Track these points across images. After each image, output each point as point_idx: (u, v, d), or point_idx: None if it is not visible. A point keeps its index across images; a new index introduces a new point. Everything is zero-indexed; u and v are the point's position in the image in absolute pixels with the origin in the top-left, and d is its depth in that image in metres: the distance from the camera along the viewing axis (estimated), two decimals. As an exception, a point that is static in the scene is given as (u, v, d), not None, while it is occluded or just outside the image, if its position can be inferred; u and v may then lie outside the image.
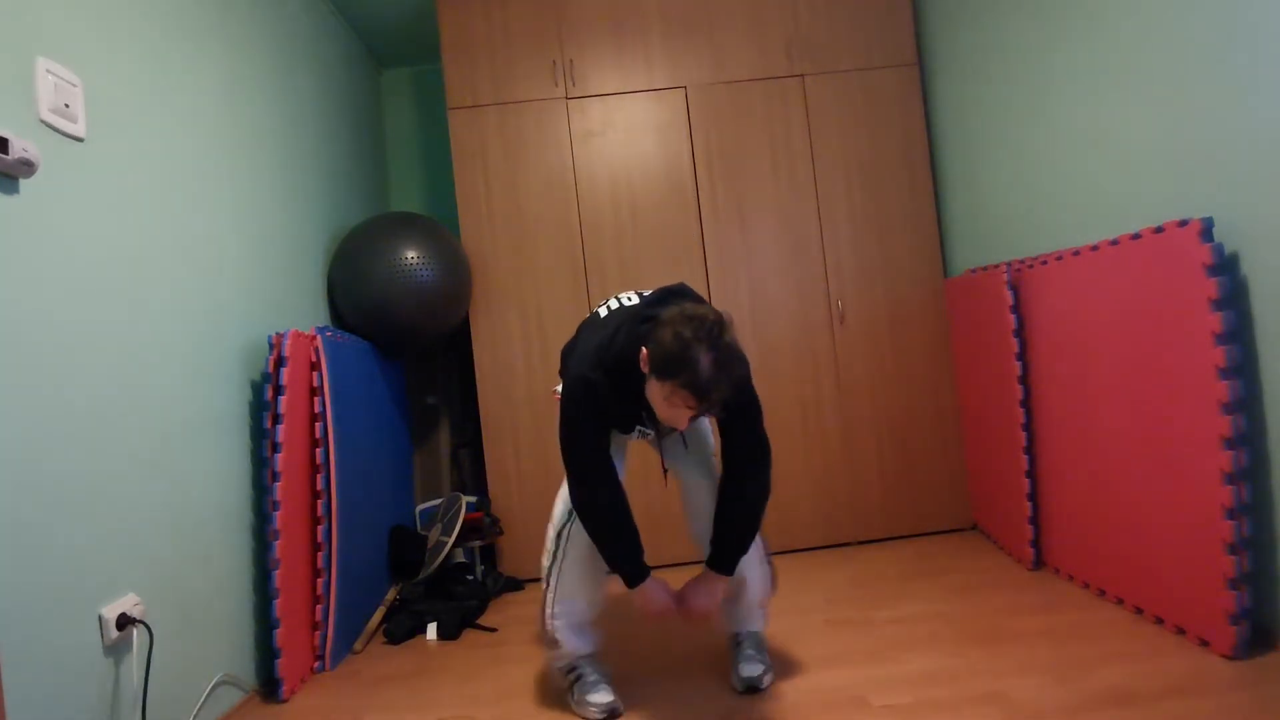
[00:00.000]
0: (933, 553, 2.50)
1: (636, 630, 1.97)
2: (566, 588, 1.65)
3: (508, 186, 2.67)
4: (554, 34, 2.71)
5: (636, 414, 1.54)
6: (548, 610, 1.66)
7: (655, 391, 1.39)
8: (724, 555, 1.57)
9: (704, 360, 1.30)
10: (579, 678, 1.65)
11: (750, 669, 1.65)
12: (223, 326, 1.84)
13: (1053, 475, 2.15)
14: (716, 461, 1.68)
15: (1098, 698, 1.44)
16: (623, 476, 1.65)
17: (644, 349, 1.39)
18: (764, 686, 1.64)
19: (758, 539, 1.70)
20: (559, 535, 1.66)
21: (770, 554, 1.77)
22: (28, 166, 1.25)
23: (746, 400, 1.53)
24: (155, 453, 1.54)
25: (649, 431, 1.63)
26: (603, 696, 1.60)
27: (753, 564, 1.68)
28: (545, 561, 1.69)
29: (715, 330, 1.33)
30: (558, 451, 2.40)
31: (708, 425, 1.72)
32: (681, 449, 1.70)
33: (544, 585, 1.69)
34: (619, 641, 1.97)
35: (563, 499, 1.66)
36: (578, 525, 1.60)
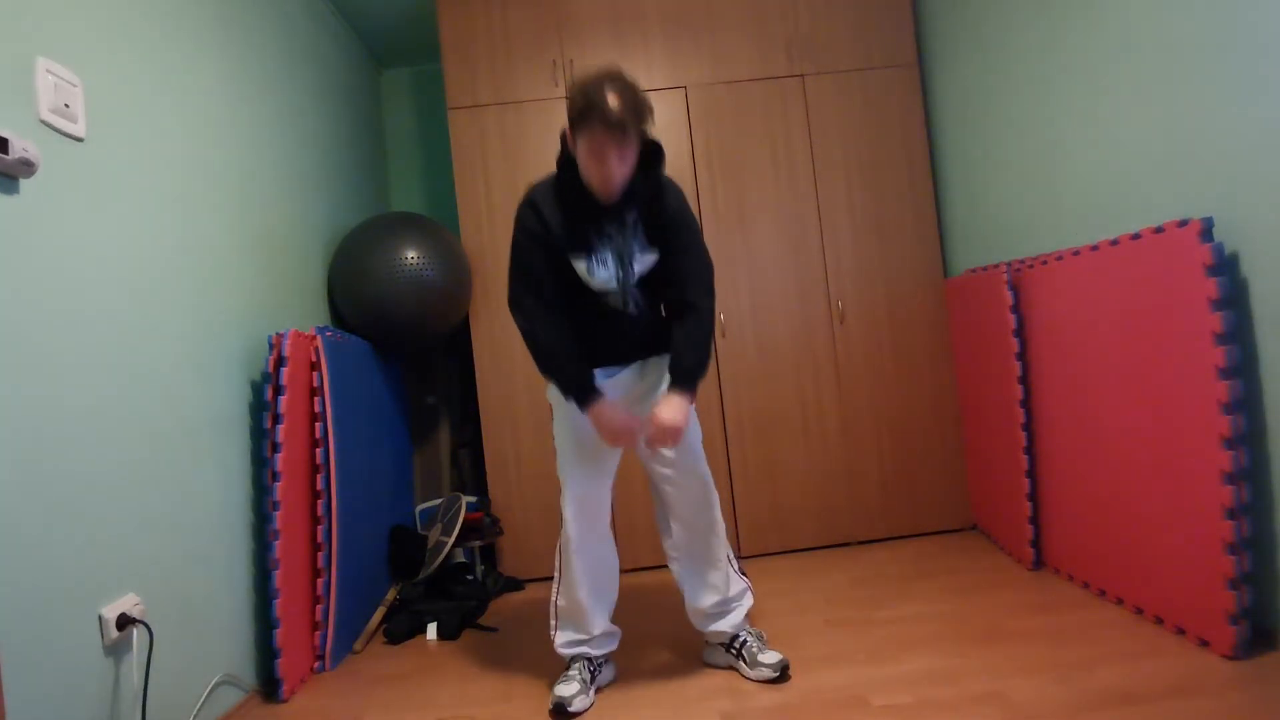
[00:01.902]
0: (933, 553, 2.50)
1: (636, 631, 1.97)
2: (566, 608, 1.72)
3: (508, 186, 2.67)
4: (554, 34, 2.71)
5: (586, 231, 1.60)
6: (551, 622, 1.76)
7: (582, 154, 1.52)
8: (684, 373, 1.62)
9: (609, 93, 1.45)
10: (565, 668, 1.72)
11: (774, 655, 1.68)
12: (223, 326, 1.84)
13: (1053, 475, 2.15)
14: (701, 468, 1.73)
15: (1098, 698, 1.44)
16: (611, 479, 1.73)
17: (563, 131, 1.55)
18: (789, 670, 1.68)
19: (728, 548, 1.77)
20: (559, 551, 1.74)
21: (743, 569, 1.82)
22: (28, 166, 1.25)
23: (680, 213, 1.66)
24: (155, 452, 1.54)
25: (606, 255, 1.61)
26: (564, 689, 1.62)
27: (735, 580, 1.77)
28: (554, 575, 1.76)
29: (613, 72, 1.50)
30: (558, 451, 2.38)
31: (697, 434, 1.74)
32: (666, 461, 1.72)
33: (551, 595, 1.77)
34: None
35: (564, 518, 1.70)
36: (570, 543, 1.69)
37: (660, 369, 1.73)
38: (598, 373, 1.68)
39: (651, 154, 1.61)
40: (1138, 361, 1.76)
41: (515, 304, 1.64)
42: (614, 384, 1.71)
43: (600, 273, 1.61)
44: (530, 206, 1.62)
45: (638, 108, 1.48)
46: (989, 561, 2.35)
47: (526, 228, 1.62)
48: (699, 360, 1.63)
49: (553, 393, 1.70)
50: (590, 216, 1.60)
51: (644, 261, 1.66)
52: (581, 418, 1.63)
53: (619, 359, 1.73)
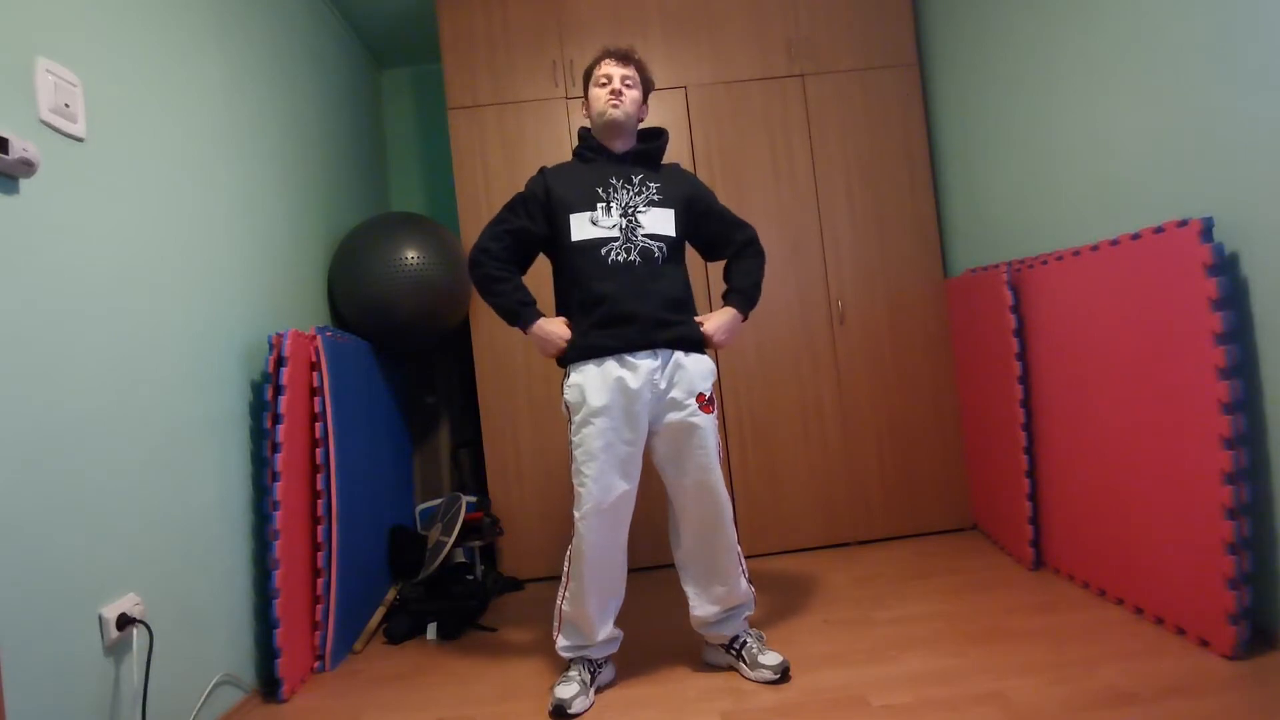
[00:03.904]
0: (933, 553, 2.50)
1: (636, 631, 1.97)
2: (572, 615, 1.71)
3: (508, 186, 2.66)
4: (554, 34, 2.71)
5: (594, 188, 1.75)
6: (555, 624, 1.75)
7: (593, 92, 1.79)
8: (738, 292, 1.82)
9: (610, 44, 1.83)
10: (565, 669, 1.72)
11: (774, 656, 1.68)
12: (223, 326, 1.84)
13: (1053, 475, 2.15)
14: (714, 479, 1.71)
15: (1098, 698, 1.44)
16: (636, 484, 1.71)
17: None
18: (789, 673, 1.67)
19: (739, 560, 1.76)
20: (568, 559, 1.73)
21: (749, 577, 1.80)
22: (28, 166, 1.25)
23: (699, 182, 1.90)
24: (155, 452, 1.54)
25: (611, 206, 1.73)
26: (563, 691, 1.63)
27: (741, 581, 1.76)
28: (561, 580, 1.76)
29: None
30: (557, 451, 2.41)
31: (714, 450, 1.72)
32: (679, 466, 1.71)
33: (557, 600, 1.75)
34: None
35: (578, 529, 1.68)
36: (584, 556, 1.67)
37: (690, 377, 1.70)
38: (625, 356, 1.66)
39: (655, 131, 1.87)
40: (1138, 361, 1.76)
41: (478, 243, 1.80)
42: (638, 373, 1.65)
43: (604, 220, 1.73)
44: (539, 173, 1.83)
45: (636, 53, 1.83)
46: (989, 561, 2.35)
47: (525, 190, 1.82)
48: (754, 282, 1.84)
49: (573, 394, 1.68)
50: (599, 177, 1.76)
51: (654, 217, 1.74)
52: (613, 423, 1.64)
53: (641, 335, 1.67)
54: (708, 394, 1.72)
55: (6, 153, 1.19)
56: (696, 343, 1.74)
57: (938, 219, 2.76)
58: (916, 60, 2.75)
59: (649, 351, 1.68)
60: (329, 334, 2.10)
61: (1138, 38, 1.79)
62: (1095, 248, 1.88)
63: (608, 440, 1.64)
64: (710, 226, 1.86)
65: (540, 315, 1.75)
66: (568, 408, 1.72)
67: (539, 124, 2.70)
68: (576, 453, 1.67)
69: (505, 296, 1.75)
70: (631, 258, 1.70)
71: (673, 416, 1.68)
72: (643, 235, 1.72)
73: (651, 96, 2.72)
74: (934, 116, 2.78)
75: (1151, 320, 1.70)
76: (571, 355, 1.71)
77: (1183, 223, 1.59)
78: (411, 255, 2.39)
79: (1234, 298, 1.56)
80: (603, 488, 1.65)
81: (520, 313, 1.74)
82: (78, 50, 1.42)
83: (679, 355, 1.71)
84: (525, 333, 1.75)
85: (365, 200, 2.98)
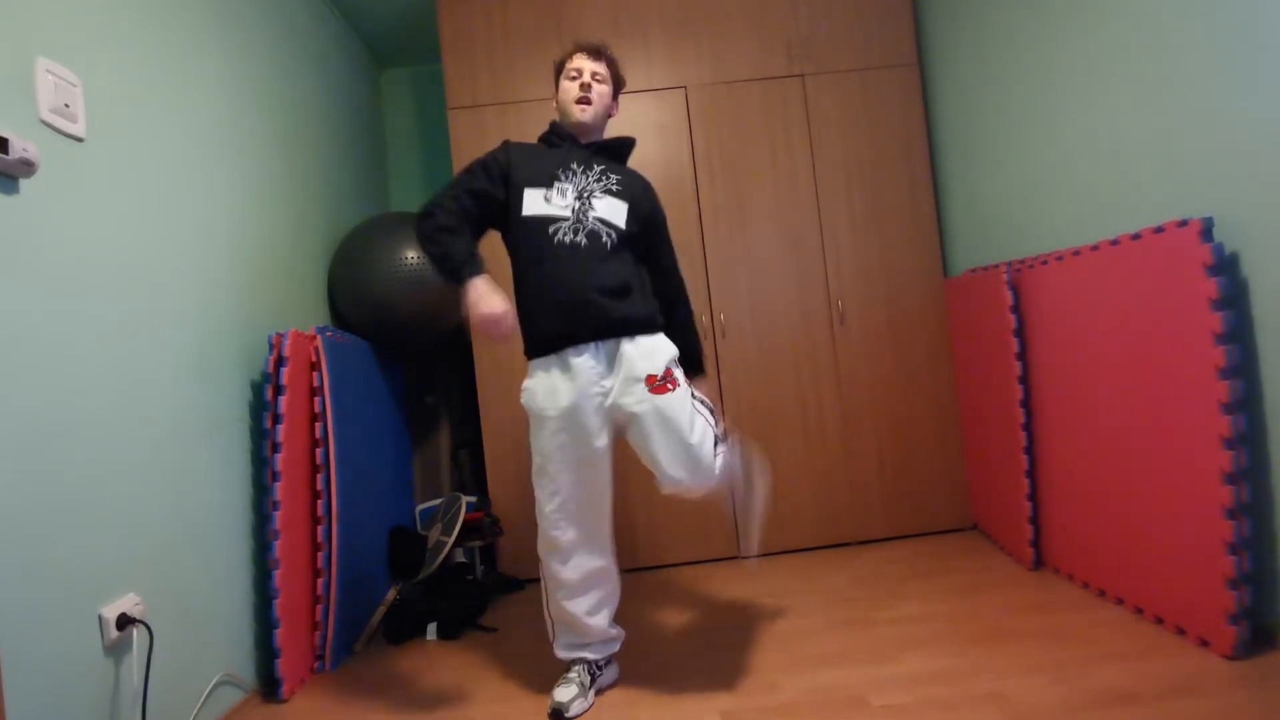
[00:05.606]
0: (933, 553, 2.50)
1: (636, 631, 1.97)
2: (559, 616, 1.72)
3: (508, 186, 2.67)
4: (554, 34, 2.71)
5: (554, 168, 1.71)
6: (549, 632, 1.76)
7: (562, 85, 1.77)
8: (690, 360, 1.80)
9: (582, 39, 1.83)
10: (566, 670, 1.72)
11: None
12: (223, 326, 1.84)
13: (1053, 475, 2.15)
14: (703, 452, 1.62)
15: (1098, 698, 1.44)
16: (609, 476, 1.69)
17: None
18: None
19: (735, 451, 1.76)
20: (542, 562, 1.72)
21: (747, 460, 1.81)
22: (28, 166, 1.25)
23: (656, 196, 1.86)
24: (155, 452, 1.54)
25: (567, 188, 1.69)
26: (562, 694, 1.62)
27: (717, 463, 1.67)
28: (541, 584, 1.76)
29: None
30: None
31: (684, 418, 1.62)
32: (654, 442, 1.62)
33: (543, 607, 1.76)
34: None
35: (545, 532, 1.67)
36: (550, 554, 1.67)
37: (634, 363, 1.62)
38: (570, 358, 1.62)
39: (626, 138, 1.84)
40: (1138, 361, 1.76)
41: (433, 199, 1.68)
42: (583, 374, 1.61)
43: (558, 199, 1.68)
44: (503, 143, 1.78)
45: (610, 49, 1.81)
46: (989, 561, 2.35)
47: (487, 156, 1.75)
48: (695, 341, 1.87)
49: (527, 398, 1.66)
50: (561, 160, 1.73)
51: (607, 205, 1.70)
52: (566, 424, 1.60)
53: (585, 320, 1.62)
54: (659, 374, 1.62)
55: (6, 153, 1.19)
56: (644, 323, 1.66)
57: (938, 219, 2.76)
58: (916, 60, 2.75)
59: (591, 346, 1.62)
60: (329, 334, 2.10)
61: (1138, 38, 1.79)
62: (1095, 248, 1.88)
63: (561, 442, 1.62)
64: (652, 252, 1.83)
65: (484, 276, 1.58)
66: (527, 410, 1.68)
67: (539, 124, 2.64)
68: (536, 457, 1.66)
69: (453, 246, 1.60)
70: (578, 239, 1.64)
71: (627, 407, 1.61)
72: (594, 218, 1.66)
73: (651, 96, 2.77)
74: (934, 116, 2.78)
75: (1152, 320, 1.70)
76: (527, 349, 1.69)
77: (1183, 223, 1.59)
78: (411, 255, 2.39)
79: (1234, 298, 1.56)
80: (565, 485, 1.63)
81: (469, 262, 1.58)
82: (78, 50, 1.42)
83: (624, 344, 1.63)
84: (463, 288, 1.57)
85: (365, 200, 2.98)
